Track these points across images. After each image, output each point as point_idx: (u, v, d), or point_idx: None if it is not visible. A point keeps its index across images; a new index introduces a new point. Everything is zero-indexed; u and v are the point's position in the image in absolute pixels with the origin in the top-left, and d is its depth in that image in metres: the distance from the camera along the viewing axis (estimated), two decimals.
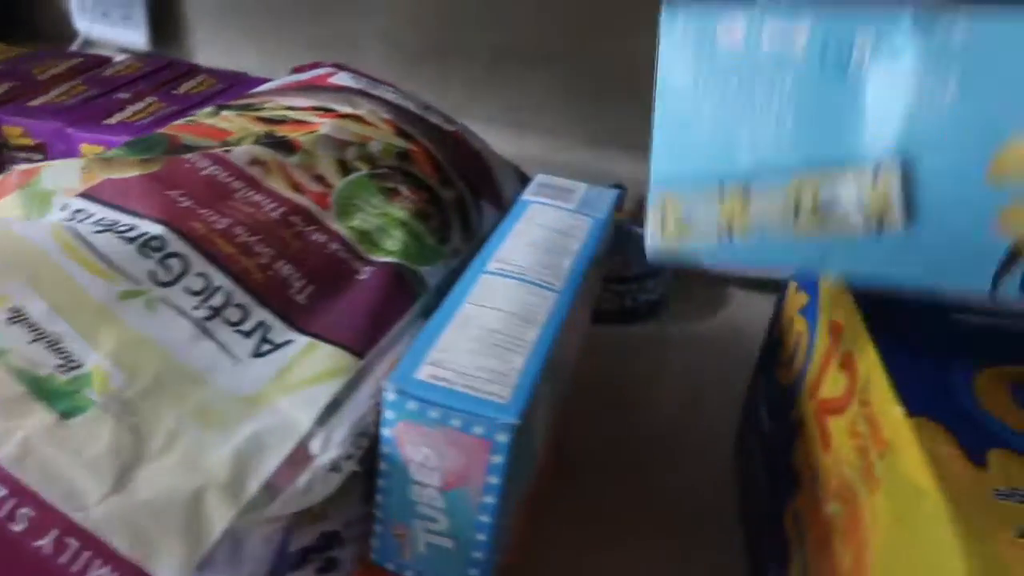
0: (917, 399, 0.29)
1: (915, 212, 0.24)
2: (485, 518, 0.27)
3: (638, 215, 0.79)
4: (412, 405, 0.25)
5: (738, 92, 0.26)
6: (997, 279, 0.24)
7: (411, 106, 0.42)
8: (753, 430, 0.46)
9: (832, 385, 0.35)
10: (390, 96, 0.42)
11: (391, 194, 0.35)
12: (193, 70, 0.50)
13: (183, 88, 0.45)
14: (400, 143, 0.38)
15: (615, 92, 0.75)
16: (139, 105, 0.40)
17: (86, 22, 0.82)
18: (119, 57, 0.54)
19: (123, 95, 0.42)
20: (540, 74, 0.77)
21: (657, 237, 0.29)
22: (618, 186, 0.75)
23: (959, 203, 0.24)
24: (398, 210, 0.34)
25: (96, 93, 0.45)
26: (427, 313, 0.33)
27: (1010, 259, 0.24)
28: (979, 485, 0.25)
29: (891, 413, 0.29)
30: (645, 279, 0.64)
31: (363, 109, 0.39)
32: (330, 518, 0.31)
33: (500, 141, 0.81)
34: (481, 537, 0.27)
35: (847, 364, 0.33)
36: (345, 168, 0.34)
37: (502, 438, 0.25)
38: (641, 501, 0.47)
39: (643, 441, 0.51)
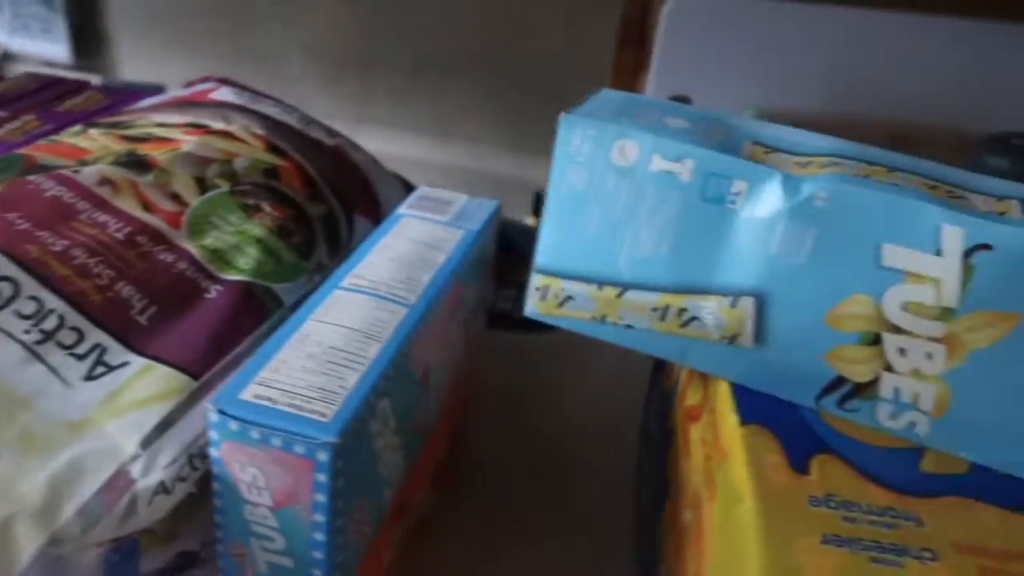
0: (754, 408, 0.29)
1: (763, 336, 0.29)
2: (319, 536, 0.27)
3: None
4: (234, 425, 0.25)
5: (624, 206, 0.29)
6: (820, 397, 0.29)
7: (292, 121, 0.42)
8: (646, 436, 0.47)
9: (693, 393, 0.35)
10: (270, 111, 0.42)
11: (252, 211, 0.34)
12: (83, 86, 0.49)
13: (66, 105, 0.44)
14: (269, 159, 0.38)
15: (537, 98, 0.76)
16: (15, 124, 0.40)
17: (5, 35, 0.81)
18: (12, 73, 0.53)
19: (3, 113, 0.42)
20: (462, 82, 0.77)
21: (536, 306, 0.32)
22: (540, 194, 0.76)
23: (800, 336, 0.28)
24: (256, 227, 0.34)
25: None
26: None
27: (831, 385, 0.29)
28: (796, 492, 0.26)
29: (728, 421, 0.29)
30: None
31: (236, 125, 0.39)
32: (183, 538, 0.31)
33: (425, 150, 0.82)
34: (318, 555, 0.27)
35: (703, 374, 0.34)
36: (203, 186, 0.34)
37: (323, 457, 0.25)
38: (542, 507, 0.47)
39: (547, 447, 0.52)
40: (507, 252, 0.73)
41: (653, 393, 0.47)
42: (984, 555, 0.24)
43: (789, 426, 0.29)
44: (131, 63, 0.86)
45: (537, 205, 0.76)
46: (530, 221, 0.76)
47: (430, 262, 0.35)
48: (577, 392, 0.57)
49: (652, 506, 0.41)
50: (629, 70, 0.61)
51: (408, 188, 0.45)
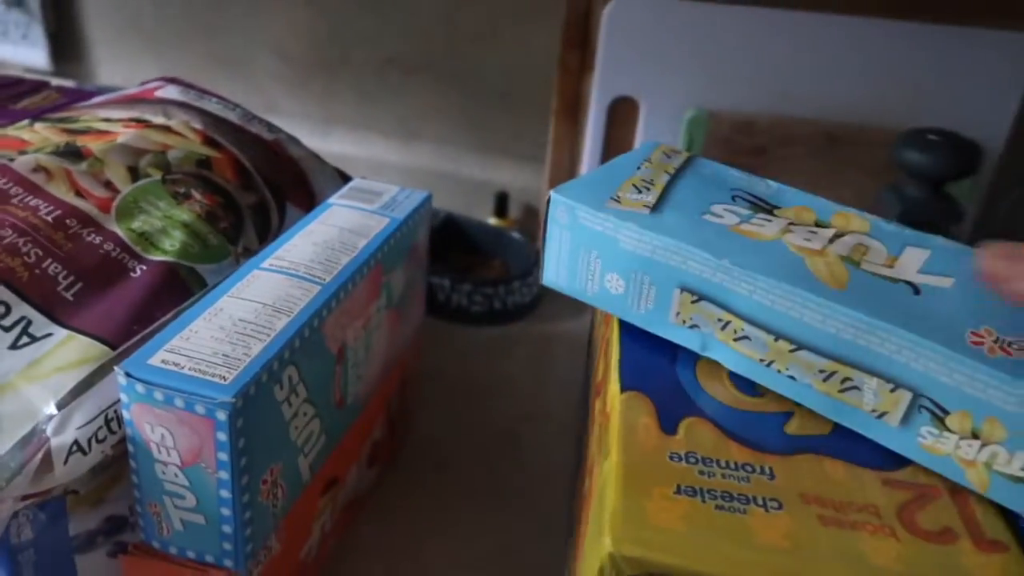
0: (636, 376, 0.32)
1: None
2: (225, 493, 0.29)
3: (522, 223, 0.82)
4: (140, 388, 0.27)
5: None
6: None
7: (233, 117, 0.44)
8: (581, 417, 0.49)
9: (599, 371, 0.37)
10: (212, 108, 0.44)
11: (181, 198, 0.37)
12: (42, 86, 0.52)
13: (22, 103, 0.47)
14: (204, 151, 0.40)
15: (497, 101, 0.78)
16: None
17: None
18: None
19: None
20: (426, 84, 0.80)
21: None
22: (502, 194, 0.78)
23: None
24: (184, 212, 0.36)
25: None
26: None
27: None
28: (659, 450, 0.28)
29: (612, 389, 0.31)
30: (513, 281, 0.66)
31: (175, 120, 0.41)
32: (111, 502, 0.33)
33: (390, 151, 0.84)
34: (226, 512, 0.29)
35: (605, 350, 0.36)
36: (136, 175, 0.37)
37: (222, 416, 0.27)
38: (487, 487, 0.49)
39: (497, 432, 0.54)
40: (470, 251, 0.75)
41: (586, 377, 0.49)
42: (827, 505, 0.26)
43: (666, 392, 0.31)
44: (107, 68, 0.89)
45: (499, 206, 0.78)
46: (492, 221, 0.78)
47: (350, 246, 0.37)
48: (533, 383, 0.59)
49: (575, 481, 0.43)
50: (574, 72, 0.63)
51: (346, 181, 0.47)
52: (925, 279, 0.31)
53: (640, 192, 0.35)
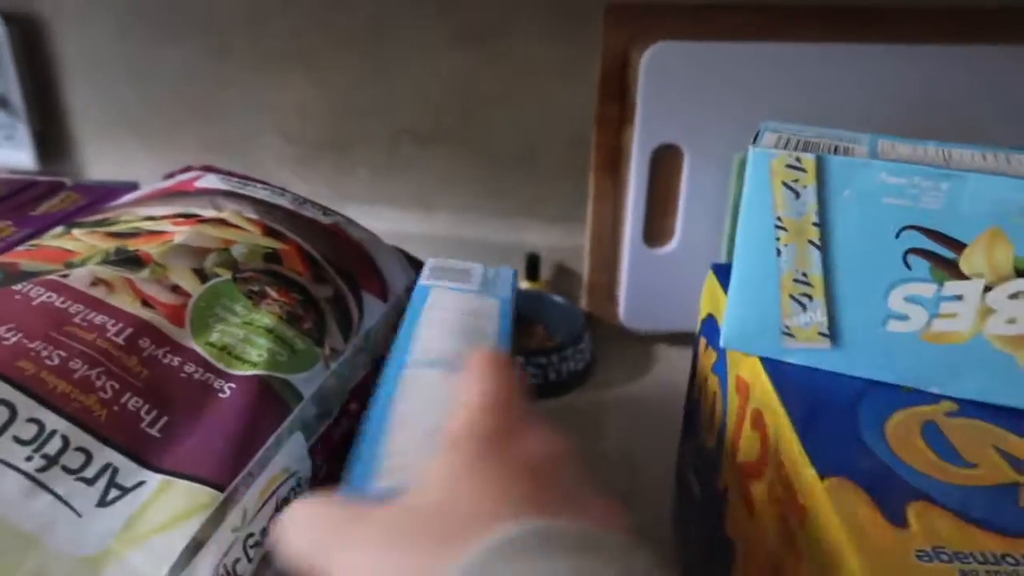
0: (828, 457, 0.27)
1: None
2: None
3: (554, 284, 0.77)
4: None
5: None
6: None
7: (284, 202, 0.40)
8: (686, 497, 0.44)
9: (748, 447, 0.33)
10: (261, 194, 0.40)
11: (258, 298, 0.32)
12: (57, 187, 0.47)
13: (41, 208, 0.42)
14: (268, 243, 0.35)
15: (515, 164, 0.75)
16: None
17: None
18: None
19: None
20: (440, 153, 0.76)
21: None
22: (533, 256, 0.74)
23: None
24: (264, 316, 0.31)
25: None
26: (305, 424, 0.30)
27: None
28: (900, 547, 0.23)
29: (804, 476, 0.27)
30: (566, 348, 0.62)
31: (227, 211, 0.37)
32: None
33: (408, 223, 0.80)
34: None
35: (757, 423, 0.32)
36: (203, 276, 0.32)
37: None
38: None
39: None
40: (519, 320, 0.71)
41: (687, 452, 0.45)
42: None
43: (872, 474, 0.26)
44: (98, 164, 0.84)
45: (531, 268, 0.74)
46: (524, 285, 0.74)
47: (480, 332, 0.32)
48: (598, 457, 0.55)
49: (706, 568, 0.38)
50: (613, 123, 0.60)
51: (410, 260, 0.43)
52: None
53: (804, 308, 0.31)
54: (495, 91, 0.72)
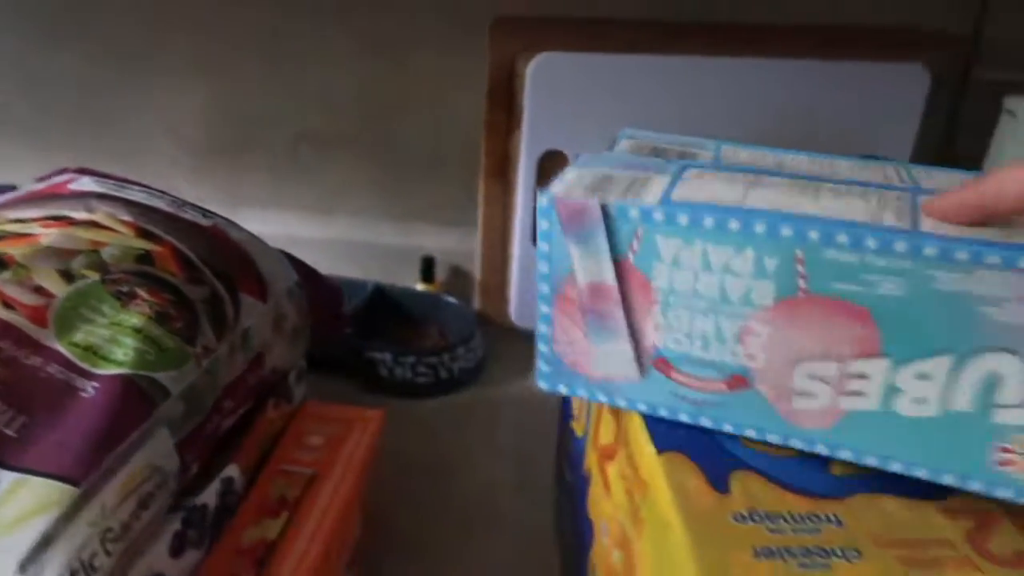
0: (667, 435, 0.30)
1: None
2: None
3: (449, 285, 0.79)
4: None
5: None
6: None
7: (162, 204, 0.40)
8: (562, 485, 0.46)
9: (606, 431, 0.35)
10: (137, 196, 0.40)
11: (127, 299, 0.32)
12: None
13: None
14: (141, 244, 0.36)
15: (414, 169, 0.76)
16: None
17: None
18: None
19: None
20: (339, 158, 0.77)
21: None
22: (428, 258, 0.76)
23: None
24: (132, 316, 0.32)
25: None
26: (172, 420, 0.31)
27: None
28: (720, 511, 0.26)
29: (645, 452, 0.29)
30: (457, 348, 0.63)
31: (100, 213, 0.37)
32: None
33: (307, 227, 0.80)
34: None
35: (614, 409, 0.34)
36: (70, 278, 0.32)
37: None
38: (465, 562, 0.45)
39: (465, 505, 0.50)
40: (404, 320, 0.72)
41: (563, 440, 0.47)
42: (901, 545, 0.25)
43: (704, 449, 0.29)
44: None
45: (426, 270, 0.75)
46: (419, 287, 0.75)
47: None
48: (494, 452, 0.56)
49: (577, 553, 0.40)
50: (501, 130, 0.62)
51: (293, 262, 0.44)
52: None
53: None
54: (393, 98, 0.73)
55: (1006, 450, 0.27)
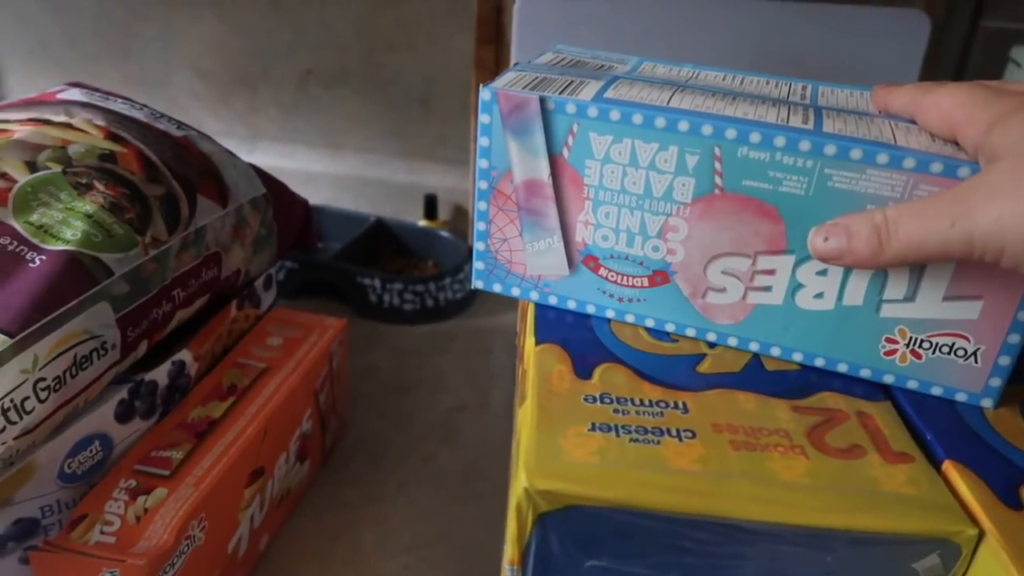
0: (551, 330, 0.32)
1: None
2: None
3: (452, 223, 0.81)
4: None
5: None
6: None
7: (140, 116, 0.43)
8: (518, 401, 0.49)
9: (521, 336, 0.37)
10: (118, 107, 0.43)
11: (84, 189, 0.36)
12: None
13: None
14: (107, 145, 0.39)
15: (415, 108, 0.78)
16: None
17: None
18: None
19: None
20: (346, 94, 0.79)
21: None
22: (430, 196, 0.78)
23: None
24: (86, 203, 0.35)
25: None
26: (115, 297, 0.34)
27: None
28: (574, 393, 0.28)
29: (528, 344, 0.31)
30: (445, 278, 0.66)
31: (77, 118, 0.41)
32: (20, 504, 0.32)
33: (316, 161, 0.83)
34: None
35: (524, 316, 0.36)
36: (34, 168, 0.36)
37: None
38: (419, 479, 0.48)
39: (430, 426, 0.53)
40: (403, 253, 0.75)
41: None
42: (738, 431, 0.27)
43: (581, 343, 0.31)
44: (21, 92, 0.86)
45: (429, 208, 0.78)
46: (422, 224, 0.78)
47: None
48: (468, 375, 0.59)
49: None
50: (490, 69, 0.64)
51: (262, 176, 0.47)
52: None
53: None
54: (394, 36, 0.75)
55: (891, 340, 0.29)
